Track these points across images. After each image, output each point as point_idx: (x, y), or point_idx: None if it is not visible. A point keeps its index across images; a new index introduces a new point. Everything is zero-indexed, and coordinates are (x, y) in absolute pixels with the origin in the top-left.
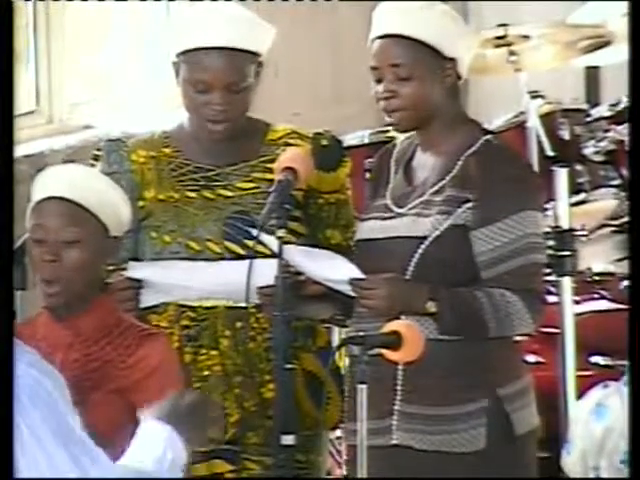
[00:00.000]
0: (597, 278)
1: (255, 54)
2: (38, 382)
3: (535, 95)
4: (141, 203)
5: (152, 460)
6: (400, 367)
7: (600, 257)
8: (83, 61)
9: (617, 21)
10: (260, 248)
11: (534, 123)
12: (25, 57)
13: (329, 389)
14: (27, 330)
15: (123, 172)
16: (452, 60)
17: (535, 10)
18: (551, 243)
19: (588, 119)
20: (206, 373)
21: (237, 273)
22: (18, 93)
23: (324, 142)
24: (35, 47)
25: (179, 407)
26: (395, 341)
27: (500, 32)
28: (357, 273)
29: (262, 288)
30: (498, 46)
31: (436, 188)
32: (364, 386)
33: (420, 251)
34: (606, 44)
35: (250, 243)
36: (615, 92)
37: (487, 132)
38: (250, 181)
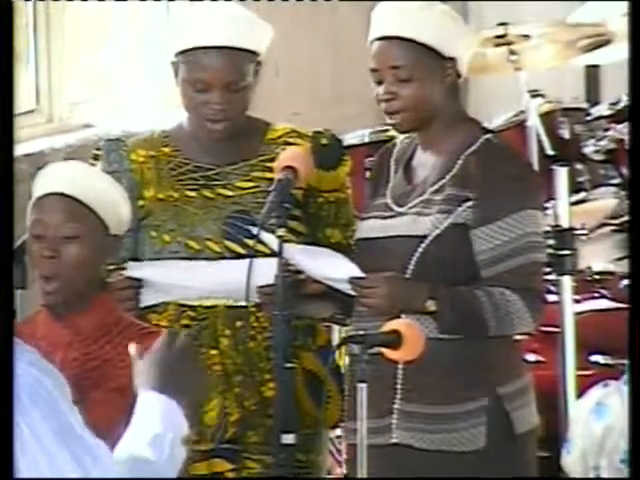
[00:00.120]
0: (597, 277)
1: (254, 53)
2: (38, 381)
3: (535, 94)
4: (141, 202)
5: (151, 441)
6: (400, 366)
7: (600, 256)
8: (83, 60)
9: (617, 20)
10: (260, 247)
11: (534, 122)
12: (25, 56)
13: (329, 388)
14: (26, 329)
15: (123, 171)
16: (452, 59)
17: (535, 10)
18: (551, 242)
19: (588, 118)
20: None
21: (237, 272)
22: (18, 92)
23: (324, 141)
24: (35, 46)
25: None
26: (395, 340)
27: (500, 31)
28: (357, 272)
29: (262, 287)
30: (498, 45)
31: (436, 187)
32: (364, 385)
33: (420, 250)
34: (606, 43)
35: (250, 242)
36: (615, 91)
37: (487, 131)
38: (250, 180)
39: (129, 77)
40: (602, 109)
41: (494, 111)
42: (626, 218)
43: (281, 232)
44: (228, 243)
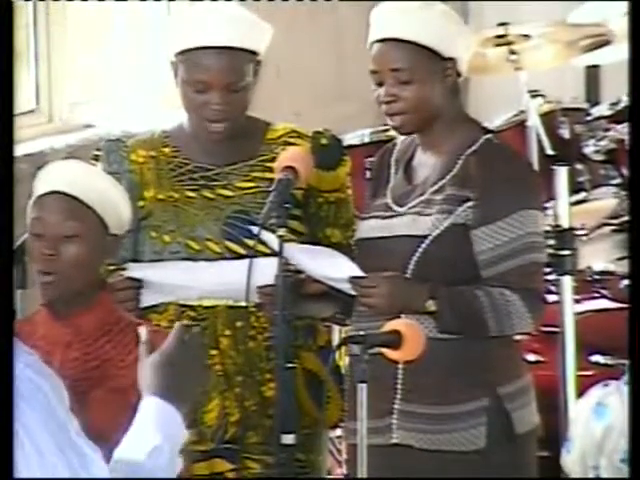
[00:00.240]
0: (597, 277)
1: (254, 53)
2: (35, 383)
3: (535, 94)
4: (141, 203)
5: (150, 452)
6: (400, 366)
7: (600, 256)
8: (83, 60)
9: (617, 20)
10: (260, 247)
11: (534, 122)
12: (25, 56)
13: (329, 388)
14: (26, 328)
15: (123, 172)
16: (452, 60)
17: (535, 10)
18: (551, 242)
19: (588, 118)
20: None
21: (237, 272)
22: (18, 92)
23: (324, 141)
24: (35, 46)
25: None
26: (395, 340)
27: (500, 31)
28: (357, 272)
29: (262, 287)
30: (498, 45)
31: (436, 187)
32: (364, 385)
33: (420, 250)
34: (606, 43)
35: (250, 242)
36: (615, 91)
37: (487, 131)
38: (250, 180)
39: (129, 77)
40: (602, 109)
41: (494, 111)
42: (626, 218)
43: (281, 232)
44: (228, 243)
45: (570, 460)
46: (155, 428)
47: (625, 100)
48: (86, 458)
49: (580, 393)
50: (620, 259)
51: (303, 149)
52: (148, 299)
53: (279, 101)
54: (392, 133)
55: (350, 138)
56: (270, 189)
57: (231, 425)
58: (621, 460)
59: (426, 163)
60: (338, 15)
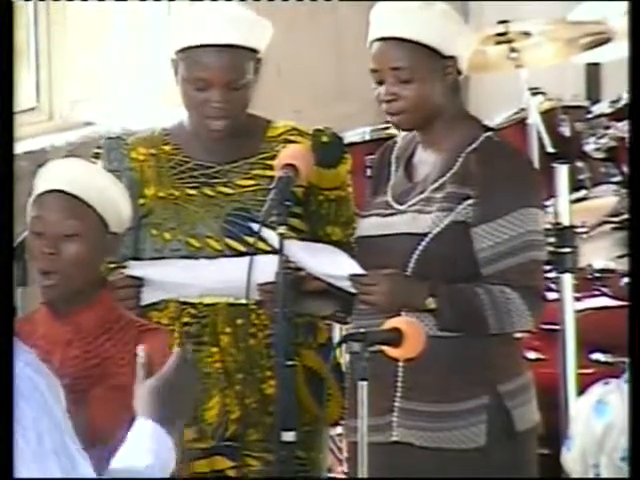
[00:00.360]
0: (598, 275)
1: (254, 51)
2: (33, 382)
3: (536, 92)
4: (141, 201)
5: (142, 470)
6: (400, 364)
7: (601, 254)
8: (83, 58)
9: (617, 18)
10: (260, 245)
11: (535, 120)
12: (26, 54)
13: (330, 386)
14: (26, 326)
15: (123, 170)
16: (452, 58)
17: (536, 8)
18: (552, 240)
19: (589, 116)
20: (207, 370)
21: (237, 270)
22: (19, 90)
23: (324, 139)
24: (36, 44)
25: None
26: (396, 338)
27: (501, 29)
28: (358, 269)
29: (263, 285)
30: (499, 43)
31: (437, 185)
32: (365, 383)
33: (421, 248)
34: (607, 41)
35: (250, 240)
36: (616, 89)
37: (488, 129)
38: (250, 178)
39: (129, 75)
40: (603, 107)
41: (495, 109)
42: (626, 216)
43: (282, 230)
44: (229, 241)
45: (570, 458)
46: (147, 450)
47: (625, 98)
48: (74, 461)
49: (580, 391)
50: (620, 257)
51: (304, 147)
52: (149, 297)
53: (280, 100)
54: (393, 131)
55: (351, 136)
56: (270, 187)
57: (231, 422)
58: (621, 458)
59: (426, 161)
60: (338, 15)
